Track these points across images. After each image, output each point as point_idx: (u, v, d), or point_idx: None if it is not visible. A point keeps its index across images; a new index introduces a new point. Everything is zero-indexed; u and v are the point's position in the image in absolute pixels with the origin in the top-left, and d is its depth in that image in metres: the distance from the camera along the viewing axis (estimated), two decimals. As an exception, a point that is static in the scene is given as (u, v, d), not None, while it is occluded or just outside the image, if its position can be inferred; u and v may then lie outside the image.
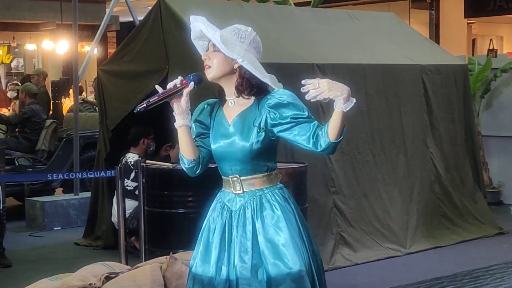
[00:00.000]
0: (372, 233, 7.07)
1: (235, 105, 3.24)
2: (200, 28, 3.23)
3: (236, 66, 3.18)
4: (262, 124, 3.16)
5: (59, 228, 8.61)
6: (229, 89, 3.25)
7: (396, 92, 7.59)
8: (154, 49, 7.06)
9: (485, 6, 16.35)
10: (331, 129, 3.03)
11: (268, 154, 3.24)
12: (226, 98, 3.27)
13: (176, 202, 5.97)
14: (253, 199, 3.21)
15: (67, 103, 12.66)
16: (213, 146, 3.28)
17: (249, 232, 3.18)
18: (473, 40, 18.00)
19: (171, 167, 6.27)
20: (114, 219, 7.14)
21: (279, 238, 3.13)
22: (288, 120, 3.11)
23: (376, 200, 7.23)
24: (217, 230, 3.26)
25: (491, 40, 18.44)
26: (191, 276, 3.30)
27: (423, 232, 7.47)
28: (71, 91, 11.52)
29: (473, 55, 14.56)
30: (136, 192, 6.61)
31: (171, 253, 5.18)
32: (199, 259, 3.29)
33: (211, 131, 3.30)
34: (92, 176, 7.20)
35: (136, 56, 7.28)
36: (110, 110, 7.52)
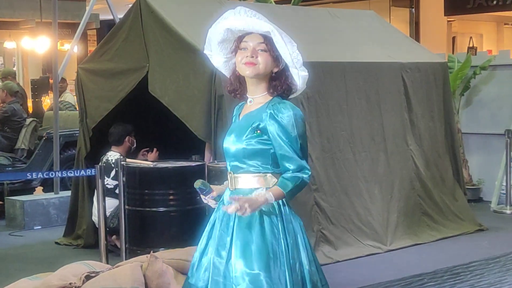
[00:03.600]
0: (352, 230, 7.09)
1: (252, 104, 3.34)
2: (267, 29, 3.23)
3: (275, 70, 3.27)
4: (261, 127, 3.24)
5: (39, 227, 8.56)
6: (254, 87, 3.32)
7: (376, 90, 7.61)
8: (134, 47, 7.04)
9: (465, 4, 16.43)
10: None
11: (263, 157, 3.28)
12: (248, 96, 3.35)
13: (157, 200, 5.97)
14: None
15: (47, 101, 12.60)
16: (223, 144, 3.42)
17: (231, 228, 3.26)
18: (453, 38, 18.10)
19: (151, 165, 6.26)
20: (95, 218, 7.11)
21: (250, 238, 3.20)
22: (275, 141, 3.22)
23: (357, 198, 7.25)
24: (211, 221, 3.41)
25: (471, 38, 18.53)
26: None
27: (404, 229, 7.50)
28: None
29: (453, 53, 14.63)
30: (117, 191, 6.59)
31: (151, 251, 5.17)
32: (197, 251, 3.43)
33: None
34: (72, 175, 7.17)
35: (116, 54, 7.25)
36: (90, 108, 7.48)
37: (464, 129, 10.09)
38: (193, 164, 6.29)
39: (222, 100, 6.30)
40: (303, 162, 3.24)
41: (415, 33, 16.56)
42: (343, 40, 7.93)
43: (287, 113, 3.22)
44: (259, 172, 3.28)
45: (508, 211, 9.22)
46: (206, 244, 3.36)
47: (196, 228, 6.02)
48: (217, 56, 3.40)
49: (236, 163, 3.30)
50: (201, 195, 3.41)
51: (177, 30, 6.64)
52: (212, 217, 3.43)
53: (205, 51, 3.44)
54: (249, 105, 3.35)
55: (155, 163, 6.39)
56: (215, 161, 6.17)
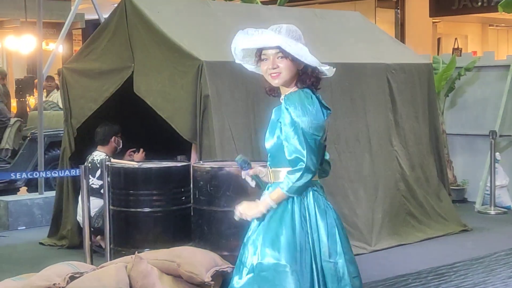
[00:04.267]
0: (338, 231, 7.09)
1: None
2: (274, 45, 3.46)
3: (300, 67, 3.50)
4: (280, 121, 3.48)
5: (24, 227, 8.52)
6: (285, 89, 3.54)
7: (361, 91, 7.63)
8: (119, 47, 7.02)
9: (450, 6, 16.52)
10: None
11: None
12: (281, 96, 3.56)
13: (142, 201, 5.94)
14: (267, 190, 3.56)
15: (31, 101, 12.55)
16: None
17: (265, 216, 3.49)
18: (438, 39, 18.19)
19: (136, 166, 6.24)
20: (80, 218, 7.09)
21: (280, 231, 3.39)
22: (282, 126, 3.45)
23: (342, 198, 7.26)
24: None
25: (456, 39, 18.64)
26: None
27: (388, 229, 7.52)
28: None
29: (438, 54, 14.69)
30: (102, 191, 6.57)
31: (136, 252, 5.16)
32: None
33: None
34: (57, 175, 7.14)
35: (101, 54, 7.23)
36: (75, 108, 7.46)
37: (448, 130, 10.13)
38: (178, 164, 6.27)
39: (208, 100, 6.30)
40: (300, 154, 3.37)
41: (401, 34, 16.63)
42: (328, 41, 7.94)
43: (292, 96, 3.46)
44: (288, 166, 3.44)
45: (492, 212, 9.26)
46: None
47: (181, 228, 6.02)
48: (247, 65, 3.66)
49: (271, 157, 3.54)
50: (241, 170, 3.64)
51: (162, 30, 6.63)
52: None
53: (237, 61, 3.65)
54: (281, 102, 3.54)
55: (140, 164, 6.37)
56: (201, 161, 6.16)
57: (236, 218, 3.52)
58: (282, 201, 3.42)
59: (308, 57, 3.47)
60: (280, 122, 3.44)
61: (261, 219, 3.47)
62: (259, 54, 3.54)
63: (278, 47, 3.45)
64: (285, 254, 3.36)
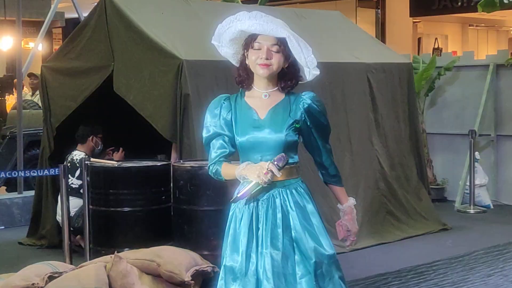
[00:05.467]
0: (318, 230, 7.10)
1: (269, 98, 3.44)
2: (283, 36, 3.36)
3: (285, 65, 3.42)
4: (298, 118, 3.41)
5: (2, 227, 8.47)
6: (265, 83, 3.42)
7: (341, 90, 7.65)
8: (99, 46, 6.98)
9: (430, 6, 16.58)
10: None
11: (294, 147, 3.46)
12: (258, 89, 3.44)
13: (121, 200, 5.92)
14: (282, 188, 3.39)
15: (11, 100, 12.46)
16: (242, 138, 3.41)
17: (279, 220, 3.35)
18: (419, 39, 18.25)
19: (116, 165, 6.22)
20: (59, 217, 7.04)
21: (311, 225, 3.39)
22: (315, 130, 3.50)
23: (322, 197, 7.23)
24: (244, 220, 3.39)
25: (436, 39, 18.71)
26: (222, 268, 3.42)
27: (368, 228, 7.54)
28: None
29: (418, 53, 14.75)
30: (81, 191, 6.53)
31: (115, 252, 5.14)
32: (228, 249, 3.40)
33: (235, 123, 3.43)
34: (36, 174, 7.09)
35: (80, 52, 7.19)
36: (55, 107, 7.41)
37: (428, 129, 10.18)
38: (158, 163, 6.25)
39: (188, 99, 6.28)
40: None
41: (381, 34, 16.68)
42: (309, 40, 7.89)
43: (317, 98, 3.53)
44: (292, 164, 3.41)
45: (471, 211, 9.32)
46: (248, 240, 3.35)
47: (161, 228, 6.00)
48: (226, 48, 3.48)
49: (273, 156, 3.32)
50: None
51: (142, 28, 6.61)
52: (234, 210, 3.44)
53: (213, 42, 3.47)
54: (264, 99, 3.43)
55: (120, 163, 6.35)
56: (181, 160, 6.15)
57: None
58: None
59: (308, 57, 3.43)
60: (298, 122, 3.44)
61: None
62: (250, 41, 3.38)
63: (279, 38, 3.34)
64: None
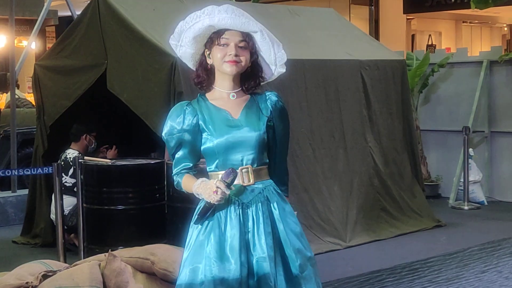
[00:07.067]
0: (312, 227, 7.11)
1: (236, 98, 3.30)
2: (256, 30, 3.24)
3: (249, 64, 3.28)
4: (269, 116, 3.31)
5: (-4, 226, 8.47)
6: (229, 82, 3.28)
7: (335, 87, 7.65)
8: (92, 44, 6.97)
9: (424, 2, 16.61)
10: None
11: (266, 148, 3.33)
12: (221, 90, 3.30)
13: (115, 199, 5.93)
14: (264, 189, 3.26)
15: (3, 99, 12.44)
16: (220, 138, 3.22)
17: (267, 224, 3.22)
18: (412, 36, 18.30)
19: (109, 163, 6.21)
20: (53, 216, 7.04)
21: (295, 227, 3.29)
22: (278, 129, 3.35)
23: (316, 195, 7.27)
24: (233, 225, 3.21)
25: (430, 35, 18.76)
26: (210, 280, 3.17)
27: (363, 225, 7.55)
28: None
29: (412, 50, 14.77)
30: (75, 189, 6.53)
31: (110, 250, 5.13)
32: (215, 259, 3.18)
33: (206, 126, 3.26)
34: (29, 173, 7.08)
35: (74, 51, 7.18)
36: (48, 106, 7.40)
37: (422, 126, 10.19)
38: (152, 161, 6.25)
39: (182, 97, 6.27)
40: None
41: (375, 31, 16.70)
42: (302, 37, 7.95)
43: (279, 99, 3.41)
44: (266, 164, 3.32)
45: (465, 207, 9.33)
46: (240, 246, 3.17)
47: (155, 226, 6.00)
48: (186, 47, 3.31)
49: (254, 155, 3.24)
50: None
51: (135, 26, 6.59)
52: (216, 215, 3.27)
53: (171, 41, 3.33)
54: (232, 99, 3.29)
55: (113, 161, 6.35)
56: (174, 158, 6.14)
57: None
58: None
59: (278, 53, 3.29)
60: (272, 121, 3.33)
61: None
62: (216, 38, 3.21)
63: (246, 34, 3.21)
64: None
